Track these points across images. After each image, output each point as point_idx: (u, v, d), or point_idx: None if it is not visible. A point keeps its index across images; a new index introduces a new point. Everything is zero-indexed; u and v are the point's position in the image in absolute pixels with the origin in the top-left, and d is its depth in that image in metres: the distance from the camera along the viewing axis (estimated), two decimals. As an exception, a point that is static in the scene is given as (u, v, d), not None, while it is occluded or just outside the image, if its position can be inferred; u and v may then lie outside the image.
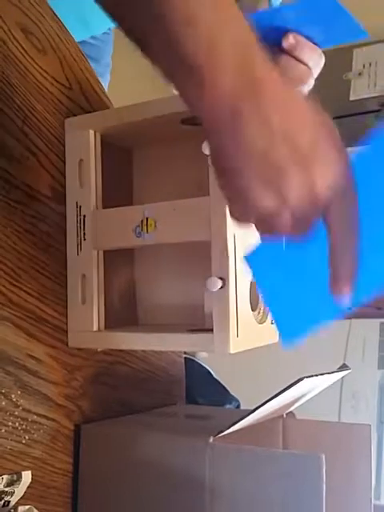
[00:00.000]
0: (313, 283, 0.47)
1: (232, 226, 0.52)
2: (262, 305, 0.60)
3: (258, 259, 0.50)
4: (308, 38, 0.52)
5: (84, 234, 0.60)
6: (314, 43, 0.52)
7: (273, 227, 0.39)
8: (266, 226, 0.40)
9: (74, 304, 0.60)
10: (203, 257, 0.54)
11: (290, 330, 0.48)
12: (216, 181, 0.41)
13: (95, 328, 0.59)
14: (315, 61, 0.52)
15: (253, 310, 0.57)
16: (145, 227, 0.56)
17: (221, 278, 0.52)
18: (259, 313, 0.59)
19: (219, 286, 0.51)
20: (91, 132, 0.61)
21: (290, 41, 0.51)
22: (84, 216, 0.60)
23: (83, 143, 0.61)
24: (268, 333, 0.60)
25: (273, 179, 0.37)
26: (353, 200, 0.39)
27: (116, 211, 0.59)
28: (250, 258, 0.50)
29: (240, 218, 0.41)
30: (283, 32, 0.51)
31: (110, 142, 0.63)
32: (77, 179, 0.61)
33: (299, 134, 0.37)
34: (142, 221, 0.57)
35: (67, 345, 0.60)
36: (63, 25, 0.64)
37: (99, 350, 0.63)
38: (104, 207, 0.61)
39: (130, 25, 0.37)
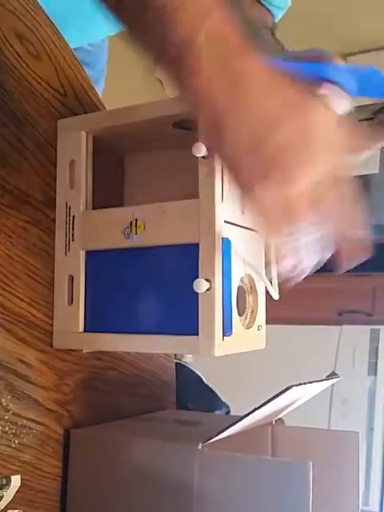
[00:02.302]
0: None
1: (221, 229, 0.53)
2: (249, 311, 0.60)
3: None
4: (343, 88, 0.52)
5: (72, 234, 0.60)
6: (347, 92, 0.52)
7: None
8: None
9: (60, 305, 0.60)
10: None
11: None
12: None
13: (81, 329, 0.59)
14: (343, 106, 0.51)
15: (240, 315, 0.57)
16: (134, 228, 0.56)
17: (207, 280, 0.52)
18: (246, 318, 0.59)
19: (205, 288, 0.52)
20: (83, 133, 0.61)
21: (323, 90, 0.50)
22: (73, 217, 0.60)
23: (75, 144, 0.61)
24: (254, 339, 0.60)
25: (265, 174, 0.38)
26: (342, 196, 0.41)
27: (105, 212, 0.59)
28: None
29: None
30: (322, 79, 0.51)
31: (101, 144, 0.63)
32: (67, 180, 0.61)
33: (276, 127, 0.37)
34: (130, 222, 0.57)
35: (51, 345, 0.60)
36: (58, 31, 0.64)
37: (84, 351, 0.63)
38: (94, 209, 0.61)
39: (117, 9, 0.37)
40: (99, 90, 0.80)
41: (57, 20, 0.63)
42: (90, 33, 0.80)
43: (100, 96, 0.73)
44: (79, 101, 0.67)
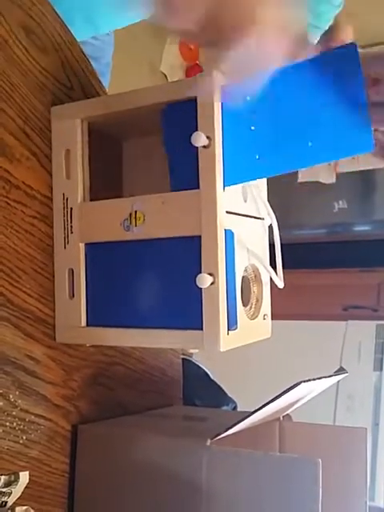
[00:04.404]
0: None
1: (223, 221, 0.52)
2: (253, 300, 0.59)
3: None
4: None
5: (71, 227, 0.59)
6: None
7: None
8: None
9: (62, 299, 0.59)
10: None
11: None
12: None
13: (83, 323, 0.59)
14: None
15: (244, 306, 0.56)
16: (133, 221, 0.55)
17: (210, 274, 0.51)
18: (251, 308, 0.59)
19: (209, 283, 0.51)
20: (78, 121, 0.59)
21: None
22: (71, 208, 0.59)
23: (70, 133, 0.59)
24: (260, 329, 0.59)
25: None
26: None
27: (104, 204, 0.58)
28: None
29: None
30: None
31: (98, 131, 0.61)
32: (63, 170, 0.60)
33: None
34: (130, 214, 0.56)
35: (54, 339, 0.59)
36: (65, 24, 0.63)
37: (88, 345, 0.63)
38: (92, 199, 0.60)
39: None
40: (105, 83, 0.79)
41: (67, 12, 0.62)
42: (100, 25, 0.79)
43: (106, 89, 0.72)
44: (86, 95, 0.66)
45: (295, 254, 2.14)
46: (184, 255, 0.54)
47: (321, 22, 0.74)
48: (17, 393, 0.54)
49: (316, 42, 0.74)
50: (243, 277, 0.56)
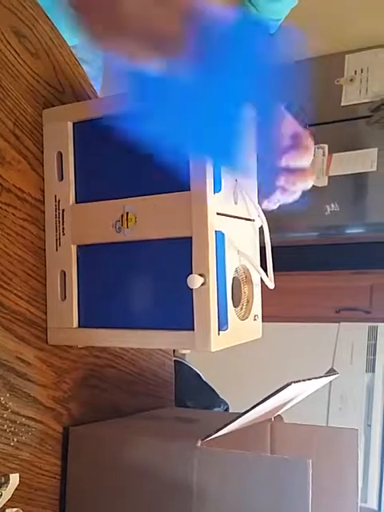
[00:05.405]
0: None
1: (213, 223, 0.52)
2: (244, 301, 0.60)
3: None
4: None
5: (63, 228, 0.59)
6: None
7: None
8: None
9: (54, 301, 0.60)
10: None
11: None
12: None
13: (75, 325, 0.59)
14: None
15: (235, 306, 0.57)
16: (125, 222, 0.56)
17: (201, 275, 0.51)
18: (242, 309, 0.59)
19: (200, 284, 0.51)
20: (70, 123, 0.60)
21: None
22: (63, 210, 0.59)
23: (61, 135, 0.60)
24: (250, 329, 0.60)
25: None
26: None
27: (95, 205, 0.58)
28: None
29: None
30: None
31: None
32: (55, 172, 0.60)
33: None
34: (121, 215, 0.56)
35: (46, 342, 0.60)
36: (56, 28, 0.64)
37: (79, 346, 0.63)
38: (84, 201, 0.60)
39: None
40: (97, 87, 0.79)
41: (55, 19, 0.62)
42: None
43: (98, 93, 0.72)
44: (77, 98, 0.66)
45: (288, 257, 2.15)
46: (175, 256, 0.54)
47: (278, 16, 0.80)
48: (7, 395, 0.54)
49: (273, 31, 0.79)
50: (234, 278, 0.56)
